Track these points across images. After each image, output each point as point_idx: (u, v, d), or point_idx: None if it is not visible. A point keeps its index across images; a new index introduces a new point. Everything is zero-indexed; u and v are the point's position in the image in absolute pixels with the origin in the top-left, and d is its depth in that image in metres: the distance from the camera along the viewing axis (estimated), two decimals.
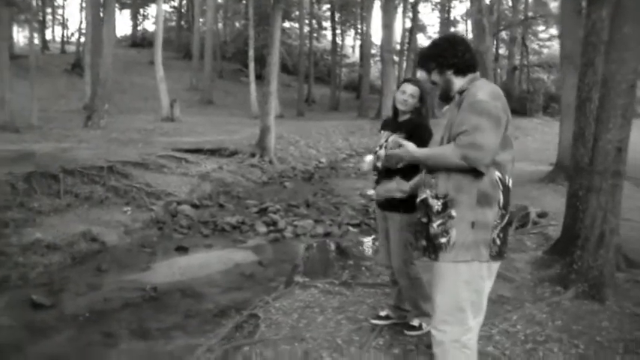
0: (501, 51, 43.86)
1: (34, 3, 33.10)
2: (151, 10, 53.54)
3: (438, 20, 44.28)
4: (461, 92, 2.76)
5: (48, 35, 50.17)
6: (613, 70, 4.78)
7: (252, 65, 29.93)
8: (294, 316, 4.47)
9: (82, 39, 33.17)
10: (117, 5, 43.35)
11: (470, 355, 2.75)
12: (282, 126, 20.80)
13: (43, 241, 7.86)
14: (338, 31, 46.02)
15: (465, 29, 42.76)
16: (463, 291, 2.69)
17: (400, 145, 2.97)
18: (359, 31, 46.80)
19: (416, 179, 3.29)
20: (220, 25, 46.63)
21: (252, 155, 16.16)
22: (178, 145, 15.23)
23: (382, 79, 28.39)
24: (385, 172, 3.75)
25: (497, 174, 2.65)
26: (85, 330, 5.61)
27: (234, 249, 8.68)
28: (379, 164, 3.81)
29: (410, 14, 39.21)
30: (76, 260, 7.84)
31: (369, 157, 3.96)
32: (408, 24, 39.88)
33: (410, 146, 2.89)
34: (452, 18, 42.67)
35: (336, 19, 44.92)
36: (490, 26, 25.19)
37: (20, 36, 51.68)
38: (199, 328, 5.56)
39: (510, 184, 2.71)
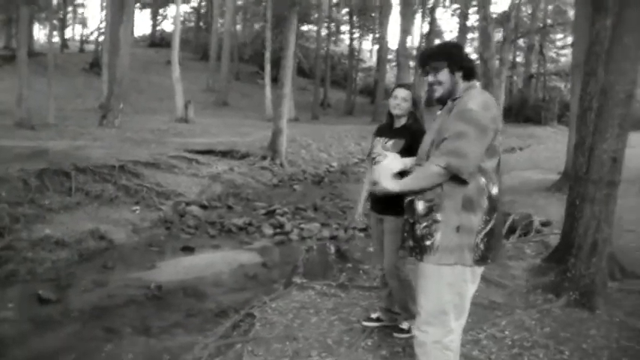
0: (518, 59, 43.54)
1: (54, 1, 33.57)
2: (171, 10, 53.74)
3: (457, 26, 44.12)
4: (454, 99, 2.79)
5: (68, 34, 50.73)
6: (612, 81, 4.76)
7: (268, 67, 29.82)
8: (289, 316, 4.55)
9: (101, 38, 33.50)
10: (138, 5, 43.82)
11: (451, 357, 2.80)
12: (295, 129, 20.91)
13: (52, 238, 8.04)
14: (355, 35, 46.04)
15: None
16: (446, 293, 2.73)
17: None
18: (376, 35, 46.74)
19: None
20: (239, 26, 46.87)
21: (264, 158, 16.28)
22: (190, 146, 15.37)
23: None
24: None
25: (483, 180, 2.68)
26: (89, 325, 5.75)
27: (239, 250, 8.79)
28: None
29: (428, 19, 39.16)
30: (84, 257, 8.00)
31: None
32: (426, 29, 39.86)
33: (393, 184, 2.84)
34: (470, 25, 42.48)
35: (354, 23, 44.93)
36: (509, 33, 25.19)
37: (41, 34, 52.50)
38: (200, 327, 5.65)
39: (496, 191, 2.72)
